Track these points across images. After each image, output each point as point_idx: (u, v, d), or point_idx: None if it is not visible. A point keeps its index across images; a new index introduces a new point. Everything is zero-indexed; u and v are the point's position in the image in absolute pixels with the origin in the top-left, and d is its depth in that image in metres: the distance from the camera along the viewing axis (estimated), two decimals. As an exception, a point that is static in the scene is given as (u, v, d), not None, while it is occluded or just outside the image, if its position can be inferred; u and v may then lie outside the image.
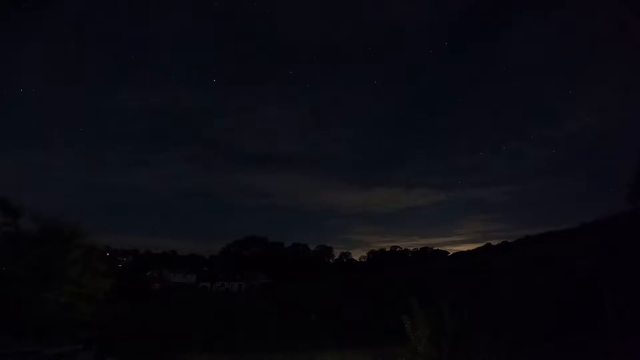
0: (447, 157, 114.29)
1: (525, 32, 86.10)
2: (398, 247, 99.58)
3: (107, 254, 33.39)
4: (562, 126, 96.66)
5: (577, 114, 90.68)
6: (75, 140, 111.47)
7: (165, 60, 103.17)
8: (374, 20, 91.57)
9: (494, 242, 72.80)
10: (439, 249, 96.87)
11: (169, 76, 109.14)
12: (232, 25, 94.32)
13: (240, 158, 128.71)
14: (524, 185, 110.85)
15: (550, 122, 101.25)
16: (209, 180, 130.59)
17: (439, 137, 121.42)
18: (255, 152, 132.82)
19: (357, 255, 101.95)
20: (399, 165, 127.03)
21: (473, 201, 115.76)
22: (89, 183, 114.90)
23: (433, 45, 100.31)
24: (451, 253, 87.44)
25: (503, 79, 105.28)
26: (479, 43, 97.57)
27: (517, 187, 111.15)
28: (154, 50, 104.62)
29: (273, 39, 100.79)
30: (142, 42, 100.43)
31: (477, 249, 71.73)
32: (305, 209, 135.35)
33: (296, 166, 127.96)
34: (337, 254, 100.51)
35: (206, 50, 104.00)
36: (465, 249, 75.13)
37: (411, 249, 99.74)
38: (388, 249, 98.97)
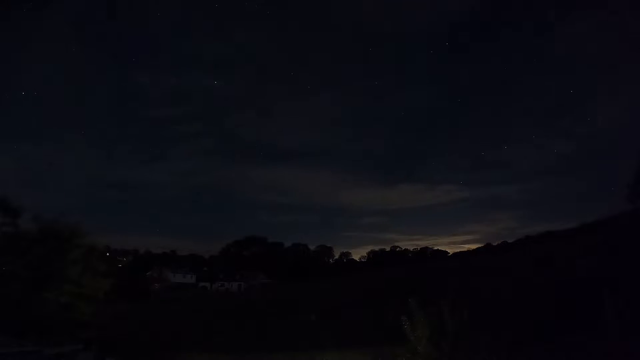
0: (465, 154, 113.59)
1: (527, 33, 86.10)
2: (398, 247, 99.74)
3: (107, 254, 33.40)
4: (564, 126, 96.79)
5: (580, 115, 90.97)
6: (75, 139, 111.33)
7: (179, 51, 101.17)
8: (398, 13, 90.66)
9: (495, 242, 72.84)
10: (439, 248, 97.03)
11: (174, 69, 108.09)
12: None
13: (256, 153, 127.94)
14: (542, 182, 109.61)
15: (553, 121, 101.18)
16: (226, 175, 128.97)
17: (442, 136, 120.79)
18: (273, 148, 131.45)
19: (358, 255, 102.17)
20: (422, 162, 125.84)
21: (494, 198, 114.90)
22: (90, 182, 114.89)
23: (451, 44, 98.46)
24: (451, 253, 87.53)
25: (506, 80, 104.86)
26: (481, 43, 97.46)
27: (537, 185, 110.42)
28: (169, 39, 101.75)
29: (292, 33, 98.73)
30: (156, 32, 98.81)
31: (477, 249, 71.88)
32: (324, 207, 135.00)
33: (316, 162, 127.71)
34: (337, 253, 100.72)
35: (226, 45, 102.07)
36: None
37: (411, 248, 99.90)
38: (388, 249, 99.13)
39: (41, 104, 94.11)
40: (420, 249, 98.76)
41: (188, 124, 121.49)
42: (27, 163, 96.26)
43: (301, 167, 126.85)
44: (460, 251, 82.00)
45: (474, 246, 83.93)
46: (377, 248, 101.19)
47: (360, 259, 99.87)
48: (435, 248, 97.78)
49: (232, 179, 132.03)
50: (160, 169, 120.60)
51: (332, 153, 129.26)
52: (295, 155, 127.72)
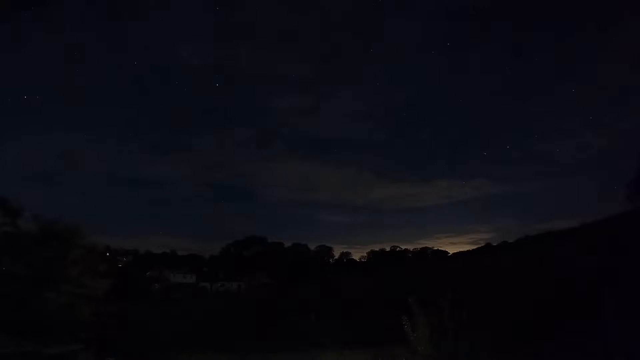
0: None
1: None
2: (398, 247, 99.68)
3: (107, 254, 33.38)
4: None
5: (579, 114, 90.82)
6: (76, 138, 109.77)
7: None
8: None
9: (495, 242, 72.75)
10: (439, 248, 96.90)
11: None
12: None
13: (286, 145, 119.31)
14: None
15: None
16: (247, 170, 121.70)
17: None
18: (300, 140, 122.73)
19: (357, 255, 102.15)
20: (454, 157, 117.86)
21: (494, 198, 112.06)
22: (92, 180, 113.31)
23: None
24: (451, 253, 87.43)
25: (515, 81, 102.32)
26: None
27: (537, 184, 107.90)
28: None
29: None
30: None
31: (477, 248, 71.78)
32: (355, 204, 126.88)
33: (342, 156, 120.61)
34: (337, 253, 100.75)
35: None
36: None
37: (411, 248, 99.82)
38: (388, 249, 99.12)
39: (42, 98, 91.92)
40: (421, 249, 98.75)
41: (209, 115, 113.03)
42: (28, 161, 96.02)
43: (327, 162, 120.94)
44: (460, 251, 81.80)
45: (473, 246, 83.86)
46: (377, 248, 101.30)
47: (360, 259, 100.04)
48: (436, 248, 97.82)
49: (254, 174, 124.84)
50: (174, 164, 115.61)
51: (362, 147, 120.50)
52: (320, 150, 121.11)
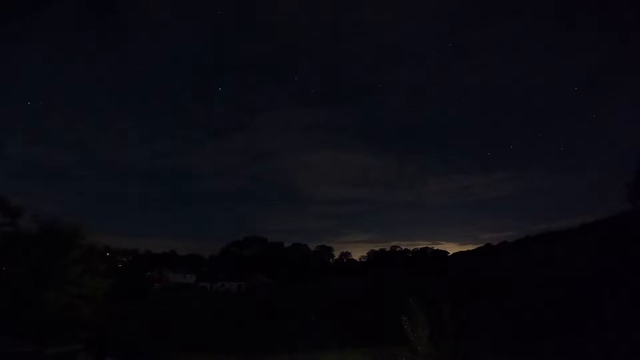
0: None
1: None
2: (398, 247, 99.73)
3: (107, 254, 33.36)
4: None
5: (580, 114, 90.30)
6: (76, 135, 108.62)
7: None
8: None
9: (494, 243, 72.64)
10: (439, 249, 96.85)
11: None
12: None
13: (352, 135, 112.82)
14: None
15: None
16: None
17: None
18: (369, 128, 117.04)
19: (357, 255, 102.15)
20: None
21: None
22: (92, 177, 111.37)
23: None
24: (451, 253, 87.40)
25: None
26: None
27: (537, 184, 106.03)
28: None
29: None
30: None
31: (476, 249, 71.76)
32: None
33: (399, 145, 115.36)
34: (337, 254, 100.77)
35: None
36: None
37: (411, 248, 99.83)
38: (388, 249, 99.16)
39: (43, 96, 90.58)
40: (420, 248, 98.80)
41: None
42: (28, 159, 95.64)
43: (390, 153, 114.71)
44: (460, 251, 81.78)
45: (473, 246, 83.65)
46: (377, 248, 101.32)
47: (360, 259, 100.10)
48: (436, 248, 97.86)
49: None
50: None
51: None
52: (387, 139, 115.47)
